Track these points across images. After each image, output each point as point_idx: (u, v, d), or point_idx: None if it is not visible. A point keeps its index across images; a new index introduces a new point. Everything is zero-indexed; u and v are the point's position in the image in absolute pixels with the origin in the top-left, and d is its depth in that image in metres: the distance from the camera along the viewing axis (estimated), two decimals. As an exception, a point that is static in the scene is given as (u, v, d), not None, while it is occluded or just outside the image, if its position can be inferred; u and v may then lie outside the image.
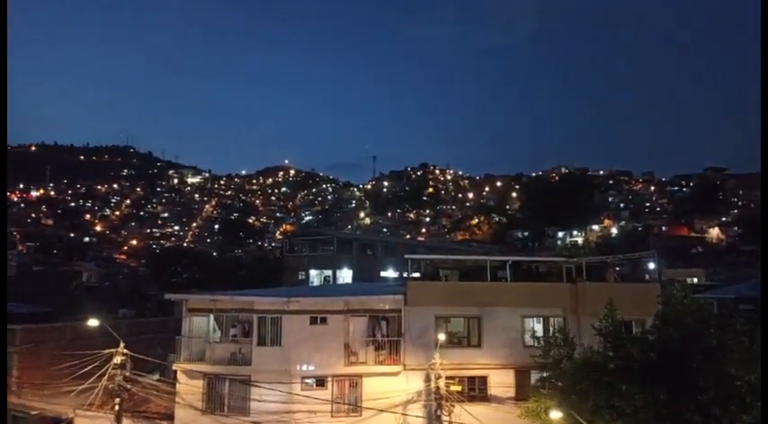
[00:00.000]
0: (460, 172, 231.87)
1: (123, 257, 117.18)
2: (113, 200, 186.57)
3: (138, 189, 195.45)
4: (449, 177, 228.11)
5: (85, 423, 26.51)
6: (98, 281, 59.81)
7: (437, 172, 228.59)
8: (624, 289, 29.19)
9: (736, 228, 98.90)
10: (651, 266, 42.13)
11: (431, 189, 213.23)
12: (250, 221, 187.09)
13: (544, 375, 19.67)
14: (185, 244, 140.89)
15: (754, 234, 79.71)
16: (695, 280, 48.90)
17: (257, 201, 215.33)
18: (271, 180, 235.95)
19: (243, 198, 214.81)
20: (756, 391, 12.41)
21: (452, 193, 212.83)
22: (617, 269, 42.05)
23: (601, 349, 16.26)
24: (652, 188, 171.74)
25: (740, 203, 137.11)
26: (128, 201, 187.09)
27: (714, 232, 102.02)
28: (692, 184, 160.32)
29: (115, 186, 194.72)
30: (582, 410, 14.05)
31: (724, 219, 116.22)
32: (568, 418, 15.36)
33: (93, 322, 24.17)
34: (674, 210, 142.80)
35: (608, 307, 16.56)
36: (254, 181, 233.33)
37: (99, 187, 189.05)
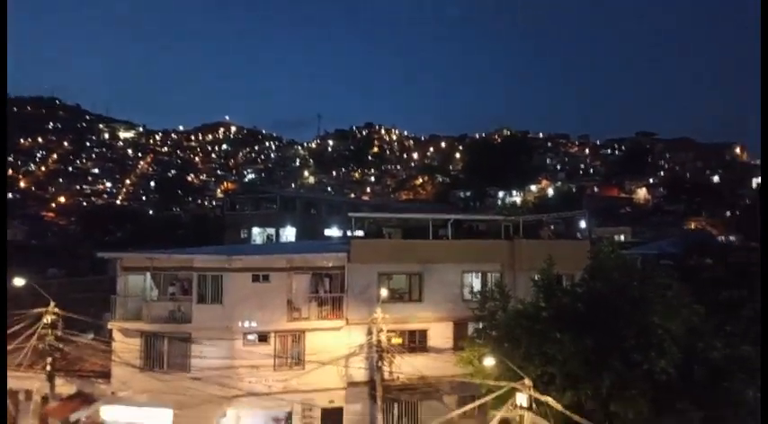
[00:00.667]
0: (406, 133, 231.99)
1: (51, 215, 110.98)
2: (38, 155, 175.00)
3: (66, 144, 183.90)
4: (394, 137, 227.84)
5: (15, 384, 25.57)
6: (24, 239, 56.63)
7: (382, 131, 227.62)
8: (557, 246, 30.67)
9: (662, 189, 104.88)
10: (582, 224, 44.33)
11: (376, 149, 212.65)
12: (189, 179, 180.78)
13: (480, 326, 20.52)
14: (119, 202, 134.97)
15: (678, 196, 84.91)
16: (622, 238, 51.81)
17: (197, 158, 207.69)
18: (210, 136, 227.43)
19: (181, 155, 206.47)
20: (675, 337, 13.44)
21: (397, 153, 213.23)
22: (551, 227, 43.99)
23: (534, 302, 17.12)
24: (587, 151, 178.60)
25: (667, 166, 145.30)
26: (54, 156, 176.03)
27: (642, 193, 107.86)
28: (623, 147, 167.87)
29: (40, 140, 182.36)
30: (514, 357, 14.83)
31: (651, 181, 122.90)
32: (501, 364, 16.20)
33: (19, 282, 23.00)
34: (606, 172, 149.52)
35: (547, 262, 17.34)
36: (193, 138, 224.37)
37: (22, 141, 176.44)
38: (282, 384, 23.69)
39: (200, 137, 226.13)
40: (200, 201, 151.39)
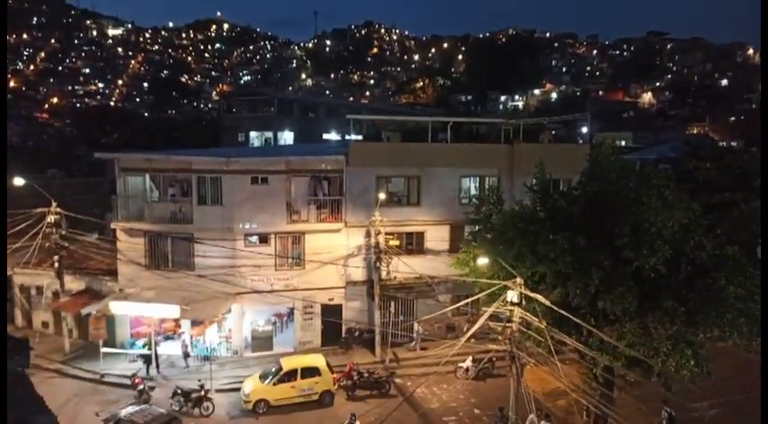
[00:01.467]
0: (406, 33, 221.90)
1: (45, 116, 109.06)
2: (26, 53, 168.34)
3: (53, 41, 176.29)
4: (394, 37, 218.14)
5: (25, 280, 26.66)
6: (20, 141, 56.10)
7: (382, 31, 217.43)
8: (557, 150, 30.62)
9: (667, 93, 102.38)
10: (584, 129, 43.83)
11: (375, 50, 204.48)
12: (183, 79, 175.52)
13: (476, 229, 20.92)
14: (113, 104, 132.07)
15: (683, 100, 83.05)
16: (623, 143, 51.45)
17: (189, 58, 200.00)
18: (202, 35, 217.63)
19: (173, 54, 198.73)
20: (665, 236, 13.71)
21: (397, 54, 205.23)
22: (552, 132, 43.53)
23: (529, 205, 17.32)
24: (595, 51, 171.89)
25: (675, 68, 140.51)
26: (42, 54, 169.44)
27: (647, 96, 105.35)
28: (632, 48, 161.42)
29: (25, 37, 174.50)
30: (507, 258, 15.26)
31: (658, 84, 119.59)
32: (494, 265, 16.74)
33: (19, 181, 23.12)
34: (612, 75, 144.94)
35: (538, 166, 17.31)
36: (184, 36, 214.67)
37: (6, 37, 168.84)
38: (284, 282, 24.63)
39: (192, 36, 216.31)
40: (195, 103, 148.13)
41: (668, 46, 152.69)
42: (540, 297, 13.55)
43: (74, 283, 25.30)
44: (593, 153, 17.32)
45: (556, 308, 13.46)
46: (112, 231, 24.73)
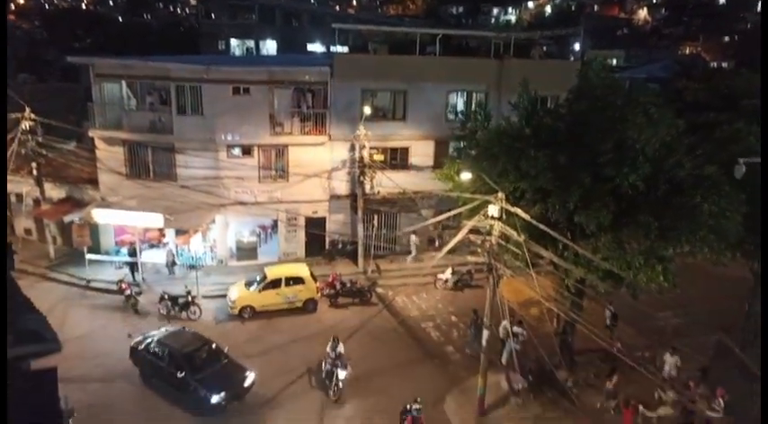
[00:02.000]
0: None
1: (12, 17, 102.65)
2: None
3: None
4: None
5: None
6: (-14, 44, 53.07)
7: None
8: (546, 66, 29.99)
9: (663, 10, 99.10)
10: (576, 46, 42.71)
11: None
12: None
13: (461, 145, 20.87)
14: (84, 6, 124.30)
15: (679, 17, 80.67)
16: (615, 61, 50.41)
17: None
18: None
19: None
20: (647, 154, 13.83)
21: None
22: (544, 48, 42.34)
23: (515, 122, 17.19)
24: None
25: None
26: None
27: (642, 13, 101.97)
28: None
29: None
30: (490, 174, 15.36)
31: (654, 0, 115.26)
32: (477, 180, 16.88)
33: (-13, 85, 22.15)
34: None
35: (523, 83, 17.01)
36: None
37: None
38: (267, 195, 24.67)
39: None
40: (171, 8, 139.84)
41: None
42: (519, 212, 13.82)
43: (54, 191, 25.07)
44: (583, 70, 16.98)
45: (535, 222, 13.78)
46: (90, 139, 24.17)
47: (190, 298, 20.27)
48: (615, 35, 79.60)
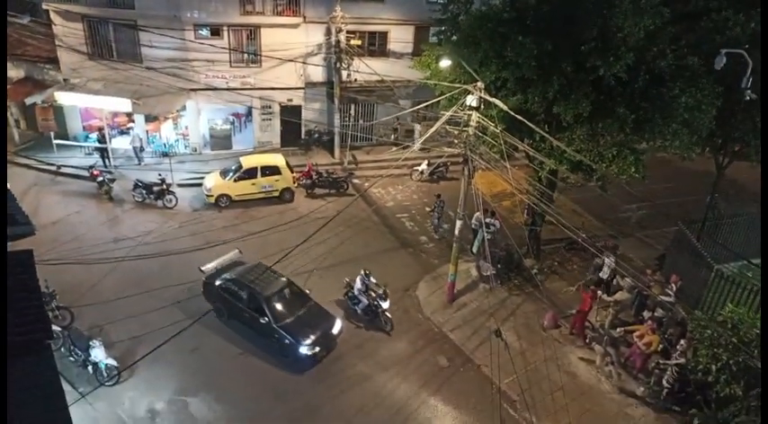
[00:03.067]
0: None
1: None
2: None
3: None
4: None
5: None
6: None
7: None
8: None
9: None
10: None
11: None
12: None
13: (442, 29, 19.92)
14: None
15: None
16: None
17: None
18: None
19: None
20: (630, 44, 13.42)
21: None
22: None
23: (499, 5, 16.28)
24: None
25: None
26: None
27: None
28: None
29: None
30: (471, 62, 14.84)
31: None
32: (457, 69, 16.36)
33: None
34: None
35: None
36: None
37: None
38: (240, 80, 23.69)
39: None
40: None
41: None
42: (498, 102, 13.60)
43: (12, 71, 23.56)
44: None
45: (513, 113, 13.63)
46: (45, 12, 22.32)
47: (165, 186, 20.12)
48: None
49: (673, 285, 15.05)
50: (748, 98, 14.70)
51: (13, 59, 23.38)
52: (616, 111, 13.71)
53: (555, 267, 18.03)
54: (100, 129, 23.08)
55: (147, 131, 24.31)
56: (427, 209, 20.98)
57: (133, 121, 24.17)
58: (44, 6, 21.93)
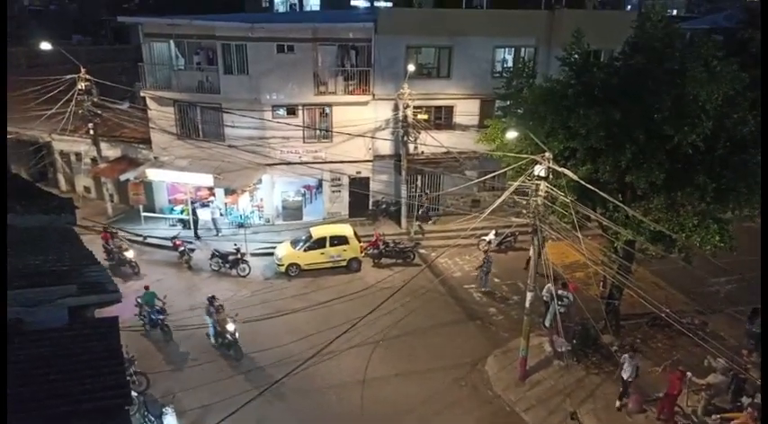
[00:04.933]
0: None
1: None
2: None
3: None
4: None
5: (63, 146, 27.58)
6: (42, 4, 54.55)
7: None
8: (601, 17, 28.47)
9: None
10: (635, -5, 40.16)
11: None
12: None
13: (506, 103, 20.27)
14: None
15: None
16: (674, 11, 47.24)
17: None
18: None
19: None
20: (708, 110, 12.99)
21: None
22: (599, -2, 40.05)
23: (563, 78, 16.39)
24: None
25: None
26: None
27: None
28: None
29: None
30: (538, 134, 14.89)
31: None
32: (524, 140, 16.44)
33: (46, 46, 22.94)
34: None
35: (576, 35, 16.07)
36: None
37: None
38: (312, 154, 24.86)
39: None
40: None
41: None
42: (567, 172, 13.43)
43: (110, 150, 26.09)
44: (640, 20, 15.95)
45: (584, 183, 13.38)
46: (142, 99, 24.83)
47: (239, 256, 20.97)
48: (678, -18, 74.16)
49: (773, 367, 13.57)
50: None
51: (111, 141, 25.92)
52: (695, 180, 13.15)
53: (637, 344, 16.79)
54: (193, 202, 24.52)
55: (225, 203, 25.75)
56: (496, 281, 20.49)
57: (214, 195, 25.73)
58: (141, 94, 24.42)
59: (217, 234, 24.15)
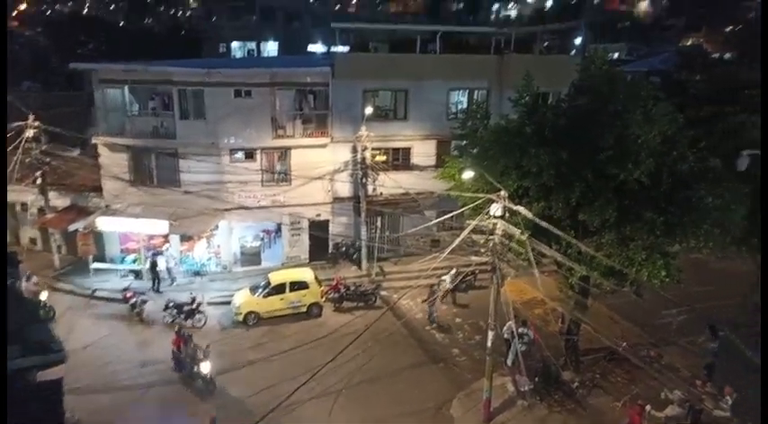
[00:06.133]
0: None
1: (15, 24, 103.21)
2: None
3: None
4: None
5: (10, 197, 26.39)
6: (-11, 52, 53.42)
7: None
8: (547, 61, 29.87)
9: (664, 1, 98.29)
10: (578, 40, 42.46)
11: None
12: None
13: (462, 143, 20.78)
14: (86, 11, 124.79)
15: (680, 7, 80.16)
16: (616, 55, 50.07)
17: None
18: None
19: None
20: (650, 148, 13.71)
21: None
22: (545, 43, 42.16)
23: (515, 119, 17.05)
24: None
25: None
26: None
27: (643, 5, 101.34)
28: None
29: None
30: (492, 172, 15.29)
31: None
32: (479, 180, 16.80)
33: (-8, 95, 22.25)
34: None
35: (526, 78, 16.84)
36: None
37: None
38: (271, 198, 24.67)
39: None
40: (172, 11, 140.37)
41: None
42: (522, 210, 13.75)
43: (59, 200, 25.15)
44: (584, 64, 16.87)
45: (538, 220, 13.71)
46: (94, 146, 24.25)
47: (195, 306, 20.31)
48: (616, 28, 79.05)
49: (728, 397, 13.91)
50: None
51: (60, 189, 25.07)
52: (643, 216, 13.69)
53: (597, 379, 16.95)
54: (154, 254, 23.71)
55: (181, 251, 25.07)
56: (457, 320, 20.45)
57: (168, 242, 25.03)
58: (93, 141, 23.87)
59: (171, 284, 23.37)
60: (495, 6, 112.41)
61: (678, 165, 14.07)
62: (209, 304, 21.50)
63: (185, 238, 24.77)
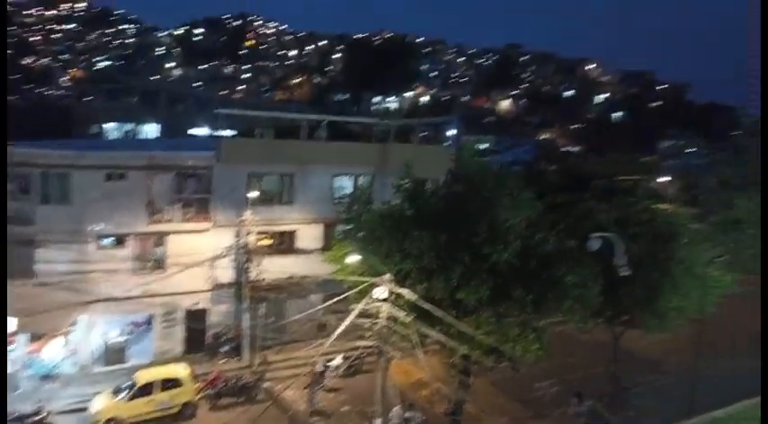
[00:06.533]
0: (283, 27, 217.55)
1: None
2: None
3: None
4: (270, 31, 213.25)
5: None
6: None
7: (258, 23, 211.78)
8: (426, 151, 31.97)
9: (524, 101, 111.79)
10: (450, 132, 46.37)
11: (250, 43, 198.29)
12: (27, 62, 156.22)
13: (347, 227, 21.13)
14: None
15: (536, 108, 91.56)
16: (485, 146, 55.18)
17: (35, 38, 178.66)
18: (52, 12, 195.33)
19: (16, 31, 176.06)
20: (517, 231, 14.98)
21: (273, 50, 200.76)
22: (422, 134, 45.39)
23: (397, 204, 17.86)
24: (462, 59, 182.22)
25: (531, 78, 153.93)
26: None
27: (505, 104, 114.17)
28: (494, 57, 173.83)
29: None
30: (377, 255, 15.63)
31: (515, 92, 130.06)
32: (364, 262, 17.03)
33: None
34: (477, 81, 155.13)
35: (407, 165, 17.90)
36: (30, 13, 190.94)
37: None
38: (142, 288, 22.85)
39: (39, 13, 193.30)
40: (42, 90, 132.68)
41: (524, 58, 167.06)
42: (406, 292, 14.01)
43: None
44: (458, 154, 18.35)
45: (420, 303, 14.02)
46: (-70, 234, 21.19)
47: (41, 417, 17.51)
48: (484, 123, 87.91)
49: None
50: (622, 274, 16.29)
51: None
52: (514, 294, 14.59)
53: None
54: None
55: (28, 353, 21.91)
56: (345, 408, 19.70)
57: (13, 343, 21.80)
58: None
59: (14, 392, 20.16)
60: (377, 99, 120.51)
61: (542, 247, 15.40)
62: (61, 412, 18.70)
63: (36, 337, 21.80)
